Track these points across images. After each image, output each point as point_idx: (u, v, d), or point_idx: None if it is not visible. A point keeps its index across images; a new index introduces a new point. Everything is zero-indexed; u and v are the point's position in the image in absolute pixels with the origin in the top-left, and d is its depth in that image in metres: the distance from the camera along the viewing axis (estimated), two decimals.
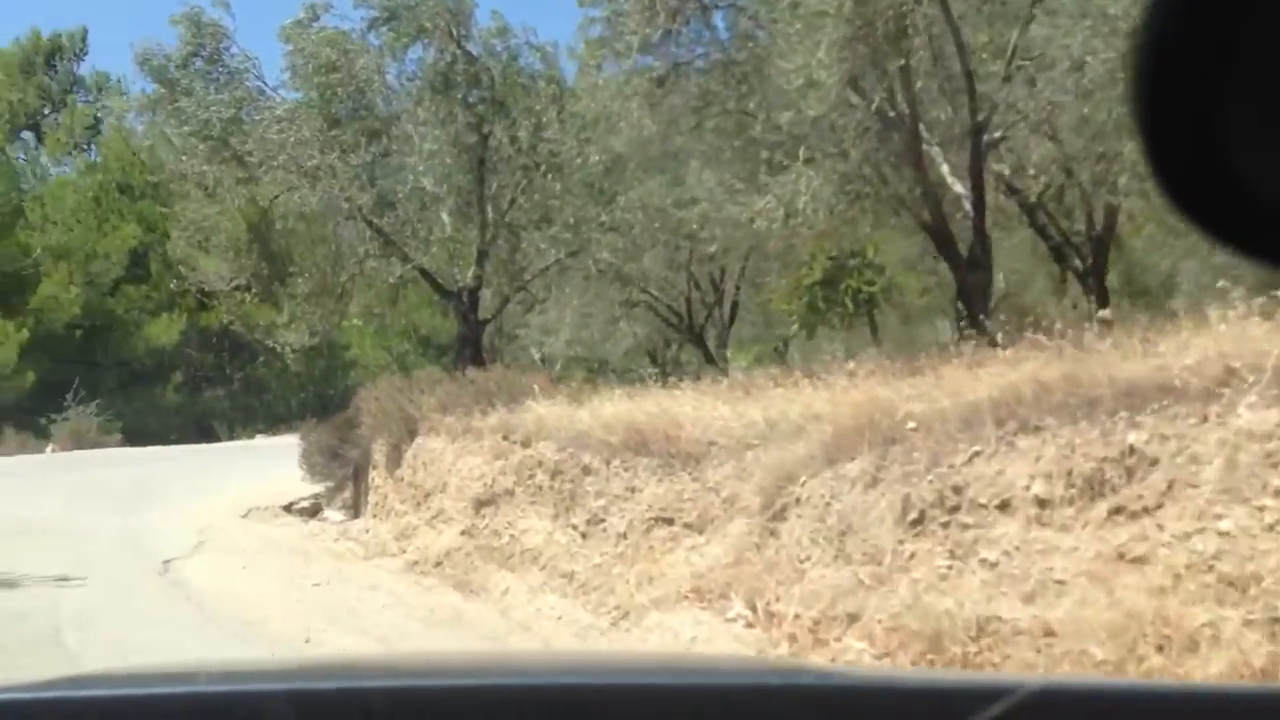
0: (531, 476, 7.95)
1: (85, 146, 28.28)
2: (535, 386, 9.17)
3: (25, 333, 22.93)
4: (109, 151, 27.65)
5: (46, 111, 29.07)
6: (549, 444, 7.79)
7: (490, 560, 8.04)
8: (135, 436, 23.78)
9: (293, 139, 12.10)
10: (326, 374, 32.21)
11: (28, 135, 28.55)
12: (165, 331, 26.54)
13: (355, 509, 12.78)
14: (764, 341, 17.16)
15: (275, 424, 29.17)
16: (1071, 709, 1.09)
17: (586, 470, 7.21)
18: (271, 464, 15.34)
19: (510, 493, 8.23)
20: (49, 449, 20.69)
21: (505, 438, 8.53)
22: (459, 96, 12.45)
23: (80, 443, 21.28)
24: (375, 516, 11.52)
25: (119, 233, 26.12)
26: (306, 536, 11.52)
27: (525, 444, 8.19)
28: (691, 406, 6.73)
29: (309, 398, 31.99)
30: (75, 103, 28.67)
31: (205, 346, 28.96)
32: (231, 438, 27.69)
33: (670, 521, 6.20)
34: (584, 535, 7.07)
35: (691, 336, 14.50)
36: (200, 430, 30.25)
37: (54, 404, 23.25)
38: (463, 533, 8.61)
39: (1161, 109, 0.83)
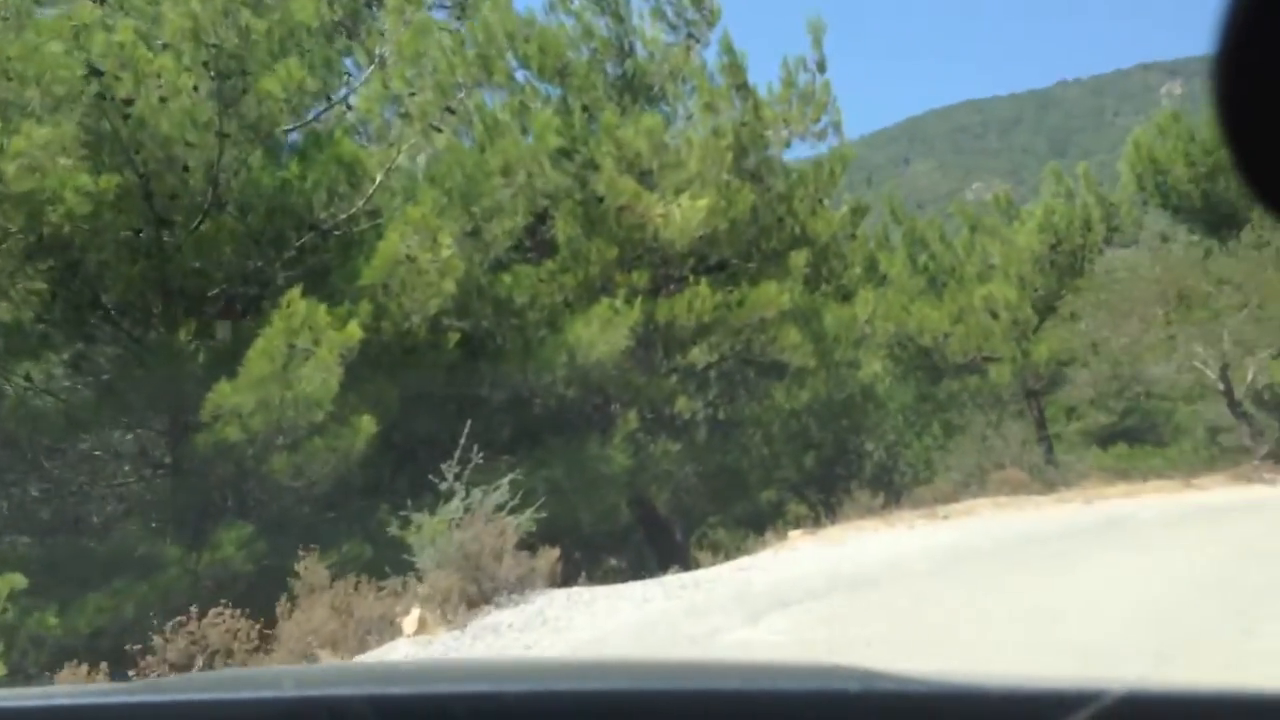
0: None
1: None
2: None
3: (354, 330, 10.57)
4: None
5: None
6: None
7: None
8: (566, 538, 10.95)
9: None
10: (840, 410, 18.43)
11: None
12: (603, 335, 13.67)
13: None
14: None
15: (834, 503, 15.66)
16: (1158, 717, 1.09)
17: None
18: None
19: None
20: (406, 625, 7.76)
21: None
22: None
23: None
24: None
25: (526, 142, 13.59)
26: None
27: None
28: None
29: (824, 452, 18.37)
30: None
31: (652, 364, 15.99)
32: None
33: None
34: None
35: None
36: (650, 521, 17.37)
37: (416, 477, 11.03)
38: None
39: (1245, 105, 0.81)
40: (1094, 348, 17.86)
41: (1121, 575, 8.38)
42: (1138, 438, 26.56)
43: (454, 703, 1.18)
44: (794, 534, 12.55)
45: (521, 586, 9.05)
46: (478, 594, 8.55)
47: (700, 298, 14.75)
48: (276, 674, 1.56)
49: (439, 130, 12.63)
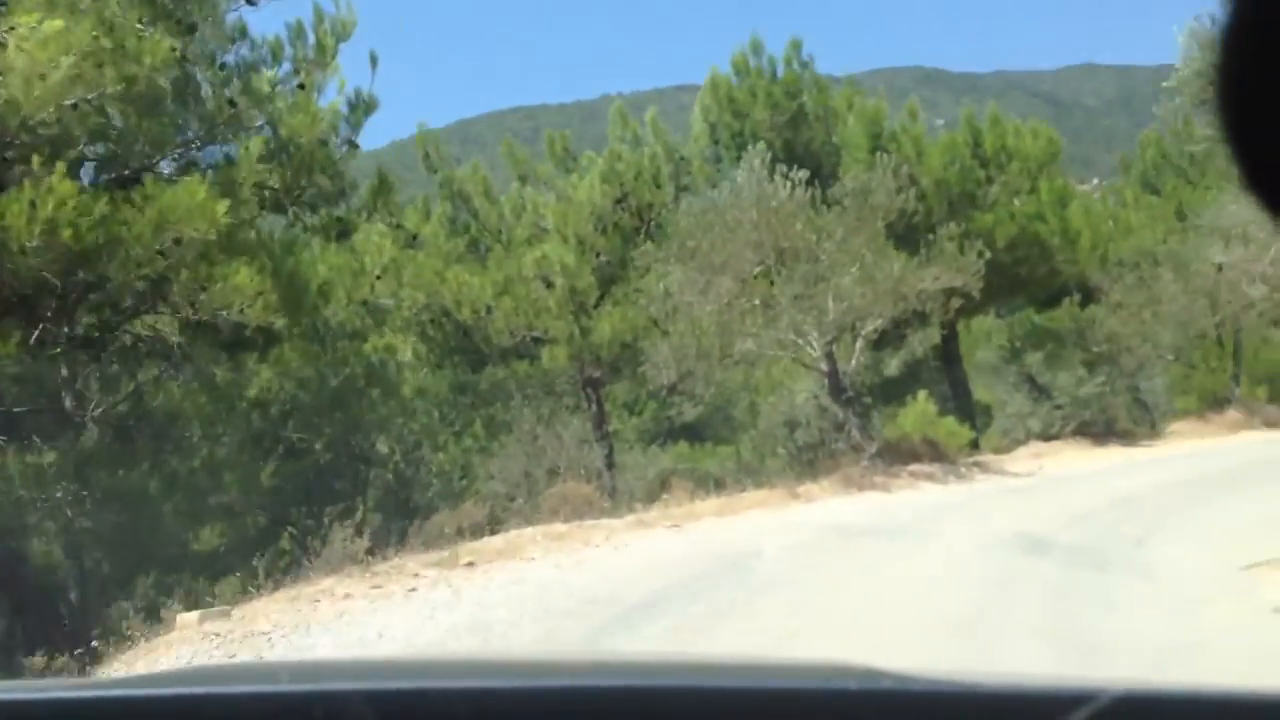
0: None
1: None
2: None
3: None
4: None
5: None
6: None
7: None
8: None
9: None
10: (334, 399, 12.70)
11: None
12: None
13: None
14: None
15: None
16: (1156, 716, 1.06)
17: None
18: None
19: None
20: None
21: None
22: None
23: None
24: None
25: None
26: None
27: None
28: None
29: (308, 461, 12.44)
30: None
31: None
32: None
33: None
34: None
35: None
36: (14, 582, 10.49)
37: None
38: None
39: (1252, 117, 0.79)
40: (675, 311, 13.66)
41: None
42: (702, 435, 23.47)
43: (452, 698, 1.15)
44: (186, 618, 6.71)
45: None
46: None
47: (55, 198, 8.35)
48: (273, 668, 1.56)
49: None
